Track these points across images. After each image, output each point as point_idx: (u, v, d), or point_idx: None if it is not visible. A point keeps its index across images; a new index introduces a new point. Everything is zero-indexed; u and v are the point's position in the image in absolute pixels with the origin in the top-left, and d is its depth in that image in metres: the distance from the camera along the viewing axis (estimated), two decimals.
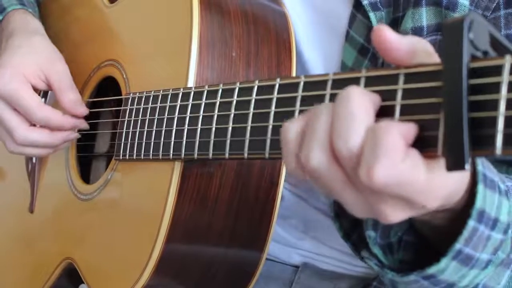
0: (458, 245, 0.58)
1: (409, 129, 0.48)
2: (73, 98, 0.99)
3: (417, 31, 0.80)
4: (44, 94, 1.10)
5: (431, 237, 0.67)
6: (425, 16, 0.79)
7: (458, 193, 0.55)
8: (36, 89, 1.03)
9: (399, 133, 0.47)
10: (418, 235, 0.68)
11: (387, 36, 0.50)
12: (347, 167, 0.50)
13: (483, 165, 0.59)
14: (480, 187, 0.57)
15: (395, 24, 0.83)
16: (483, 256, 0.61)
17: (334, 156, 0.50)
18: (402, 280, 0.64)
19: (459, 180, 0.54)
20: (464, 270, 0.61)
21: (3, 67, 0.97)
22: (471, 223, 0.57)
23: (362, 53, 0.87)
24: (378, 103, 0.51)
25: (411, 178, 0.47)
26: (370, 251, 0.67)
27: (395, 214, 0.50)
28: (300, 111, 0.59)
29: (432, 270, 0.60)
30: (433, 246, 0.67)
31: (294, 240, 1.04)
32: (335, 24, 0.91)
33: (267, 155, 0.63)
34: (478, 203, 0.57)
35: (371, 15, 0.83)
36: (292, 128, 0.54)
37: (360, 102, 0.49)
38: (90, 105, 1.08)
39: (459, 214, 0.59)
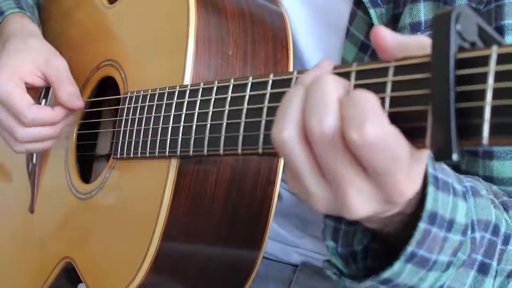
0: (410, 248, 0.57)
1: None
2: (70, 91, 1.00)
3: (415, 26, 0.80)
4: (45, 92, 1.11)
5: (392, 243, 0.66)
6: (423, 11, 0.80)
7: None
8: (36, 88, 1.04)
9: (377, 99, 0.48)
10: (383, 242, 0.67)
11: (382, 35, 0.51)
12: (317, 147, 0.50)
13: (435, 168, 0.59)
14: (430, 189, 0.57)
15: (396, 20, 0.84)
16: (442, 258, 0.60)
17: (304, 134, 0.51)
18: (360, 286, 0.63)
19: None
20: (421, 272, 0.60)
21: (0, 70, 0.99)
22: (421, 225, 0.57)
23: (363, 49, 0.88)
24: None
25: (397, 147, 0.47)
26: (330, 262, 0.67)
27: (359, 204, 0.50)
28: None
29: (386, 274, 0.59)
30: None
31: (293, 239, 1.04)
32: (335, 21, 0.91)
33: (260, 151, 0.63)
34: (428, 205, 0.57)
35: (372, 11, 0.83)
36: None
37: (331, 83, 0.50)
38: (90, 105, 1.09)
39: (411, 219, 0.58)
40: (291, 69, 0.90)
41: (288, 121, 0.51)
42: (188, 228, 0.82)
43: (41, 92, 1.07)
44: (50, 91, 1.10)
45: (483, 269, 0.65)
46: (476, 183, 0.68)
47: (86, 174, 1.12)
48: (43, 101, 1.13)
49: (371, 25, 0.85)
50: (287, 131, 0.51)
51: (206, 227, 0.84)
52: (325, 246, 1.01)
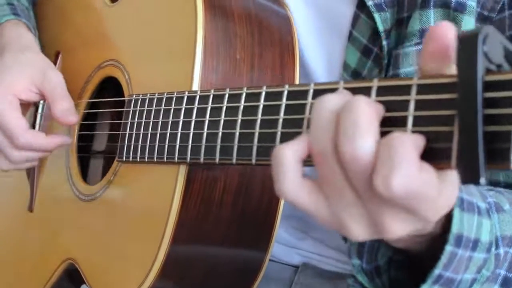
0: (437, 271, 0.58)
1: (420, 141, 0.48)
2: (64, 107, 0.98)
3: (424, 33, 0.80)
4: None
5: (416, 257, 0.67)
6: (432, 17, 0.79)
7: None
8: (33, 102, 1.04)
9: (412, 144, 0.47)
10: (407, 255, 0.68)
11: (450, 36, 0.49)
12: (348, 171, 0.49)
13: (460, 189, 0.59)
14: (456, 212, 0.58)
15: (399, 24, 0.83)
16: (467, 276, 0.61)
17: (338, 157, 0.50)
18: None
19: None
20: None
21: None
22: (448, 248, 0.58)
23: (365, 53, 0.87)
24: (381, 113, 0.51)
25: (425, 191, 0.47)
26: (355, 278, 0.68)
27: (397, 229, 0.50)
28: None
29: None
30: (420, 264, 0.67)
31: (294, 240, 1.05)
32: (337, 24, 0.91)
33: None
34: (455, 227, 0.58)
35: (376, 16, 0.83)
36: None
37: (365, 110, 0.49)
38: (91, 105, 1.08)
39: (437, 239, 0.59)
40: (297, 73, 0.89)
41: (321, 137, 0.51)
42: (196, 233, 0.82)
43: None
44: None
45: (507, 283, 0.66)
46: (499, 197, 0.69)
47: (82, 172, 1.11)
48: (41, 100, 1.12)
49: (374, 29, 0.85)
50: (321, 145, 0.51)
51: (214, 231, 0.83)
52: (325, 248, 1.02)
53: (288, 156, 0.52)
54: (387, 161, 0.46)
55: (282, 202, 0.87)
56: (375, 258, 0.66)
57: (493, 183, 0.80)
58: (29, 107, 1.05)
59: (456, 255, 0.58)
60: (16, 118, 0.97)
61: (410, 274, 0.68)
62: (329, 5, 0.92)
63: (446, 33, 0.48)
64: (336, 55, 0.91)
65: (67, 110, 0.98)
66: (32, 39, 1.10)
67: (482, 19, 0.77)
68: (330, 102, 0.52)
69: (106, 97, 1.07)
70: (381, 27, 0.83)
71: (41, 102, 1.14)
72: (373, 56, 0.87)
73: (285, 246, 1.05)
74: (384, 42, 0.83)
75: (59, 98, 0.99)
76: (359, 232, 0.51)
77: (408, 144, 0.46)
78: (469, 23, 0.77)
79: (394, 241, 0.61)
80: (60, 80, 1.01)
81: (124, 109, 0.91)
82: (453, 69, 0.49)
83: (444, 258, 0.58)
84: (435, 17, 0.79)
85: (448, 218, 0.58)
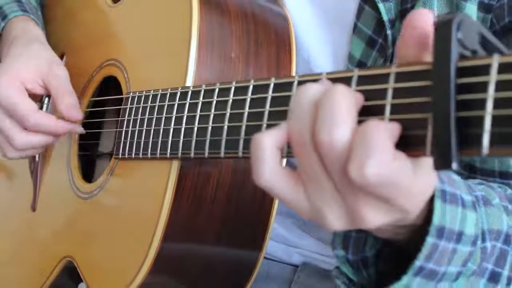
0: (418, 262, 0.58)
1: (395, 129, 0.48)
2: (69, 102, 0.99)
3: None
4: (47, 96, 1.12)
5: (403, 250, 0.66)
6: (436, 5, 0.80)
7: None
8: (37, 94, 1.04)
9: (387, 132, 0.47)
10: (395, 247, 0.67)
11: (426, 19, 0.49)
12: (325, 159, 0.49)
13: (442, 180, 0.59)
14: (437, 204, 0.57)
15: (403, 15, 0.84)
16: (451, 269, 0.60)
17: (315, 145, 0.50)
18: None
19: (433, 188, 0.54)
20: (430, 284, 0.60)
21: (0, 74, 0.99)
22: (429, 240, 0.57)
23: (370, 44, 0.88)
24: (360, 102, 0.51)
25: (399, 179, 0.47)
26: (340, 270, 0.67)
27: (373, 217, 0.50)
28: None
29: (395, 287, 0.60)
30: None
31: (294, 239, 1.04)
32: (340, 17, 0.91)
33: None
34: (436, 219, 0.57)
35: (381, 6, 0.83)
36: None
37: (342, 100, 0.49)
38: (93, 104, 1.09)
39: (419, 232, 0.59)
40: (294, 70, 0.90)
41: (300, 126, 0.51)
42: (188, 229, 0.82)
43: (41, 97, 1.07)
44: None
45: (494, 277, 0.65)
46: (488, 191, 0.68)
47: (89, 173, 1.12)
48: (46, 99, 1.13)
49: (379, 19, 0.85)
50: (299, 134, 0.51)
51: (207, 228, 0.84)
52: (325, 247, 1.01)
53: (266, 143, 0.52)
54: (362, 149, 0.46)
55: (277, 200, 0.87)
56: (363, 249, 0.65)
57: (488, 172, 0.80)
58: (37, 97, 1.06)
59: (438, 246, 0.58)
60: (25, 101, 0.98)
61: (398, 267, 0.67)
62: (333, 1, 0.92)
63: (425, 20, 0.48)
64: (341, 49, 0.92)
65: (71, 106, 0.99)
66: (41, 33, 1.11)
67: (483, 7, 0.77)
68: (309, 91, 0.52)
69: (108, 96, 1.08)
70: (385, 17, 0.83)
71: (45, 104, 1.15)
72: (378, 46, 0.87)
73: (285, 245, 1.05)
74: (389, 32, 0.84)
75: (64, 93, 1.00)
76: (336, 221, 0.51)
77: (382, 131, 0.46)
78: (471, 10, 0.77)
79: (376, 232, 0.61)
80: (65, 75, 1.02)
81: (122, 106, 0.92)
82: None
83: (425, 250, 0.57)
84: (439, 5, 0.79)
85: (430, 210, 0.57)
